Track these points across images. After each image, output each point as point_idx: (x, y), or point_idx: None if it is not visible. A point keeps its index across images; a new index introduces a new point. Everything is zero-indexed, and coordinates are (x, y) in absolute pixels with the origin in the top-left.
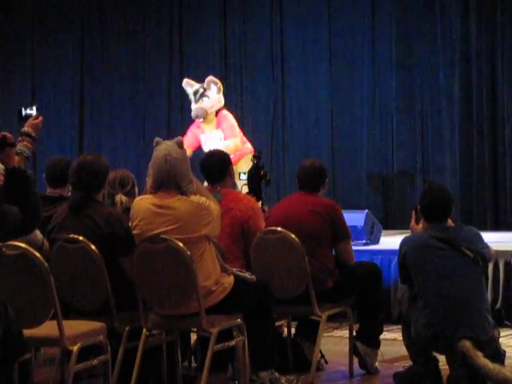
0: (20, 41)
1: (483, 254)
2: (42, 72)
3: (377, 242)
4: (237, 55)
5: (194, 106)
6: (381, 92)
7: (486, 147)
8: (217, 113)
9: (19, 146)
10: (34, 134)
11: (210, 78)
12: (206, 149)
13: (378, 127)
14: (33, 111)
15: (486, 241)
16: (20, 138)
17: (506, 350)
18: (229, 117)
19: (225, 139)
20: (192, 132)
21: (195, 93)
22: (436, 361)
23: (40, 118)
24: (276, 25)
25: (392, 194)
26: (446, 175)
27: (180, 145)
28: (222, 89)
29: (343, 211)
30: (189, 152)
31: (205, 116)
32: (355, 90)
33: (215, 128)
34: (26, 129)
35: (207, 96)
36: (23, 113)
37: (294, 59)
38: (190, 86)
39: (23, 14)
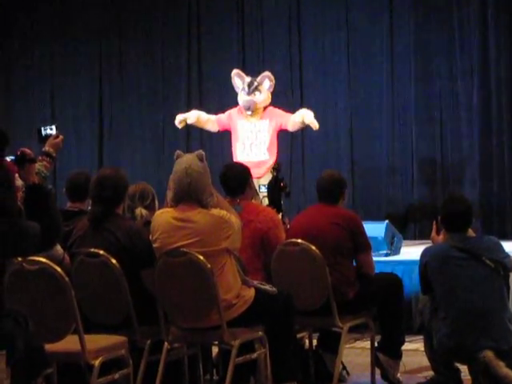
0: (39, 56)
1: (504, 263)
2: (61, 87)
3: (398, 252)
4: (255, 65)
5: (245, 98)
6: (400, 103)
7: (505, 156)
8: (264, 108)
9: (38, 166)
10: (54, 154)
11: (267, 73)
12: (245, 137)
13: (398, 138)
14: (53, 131)
15: (507, 250)
16: (40, 158)
17: None
18: (277, 109)
19: (279, 127)
20: (229, 114)
21: (250, 85)
22: (458, 371)
23: (60, 137)
24: (294, 34)
25: (412, 204)
26: (466, 185)
27: (201, 158)
28: (273, 87)
29: (363, 222)
30: (202, 119)
31: (254, 109)
32: (374, 101)
33: (261, 119)
34: (46, 148)
35: (259, 90)
36: (43, 132)
37: (312, 70)
38: (239, 77)
39: (42, 30)
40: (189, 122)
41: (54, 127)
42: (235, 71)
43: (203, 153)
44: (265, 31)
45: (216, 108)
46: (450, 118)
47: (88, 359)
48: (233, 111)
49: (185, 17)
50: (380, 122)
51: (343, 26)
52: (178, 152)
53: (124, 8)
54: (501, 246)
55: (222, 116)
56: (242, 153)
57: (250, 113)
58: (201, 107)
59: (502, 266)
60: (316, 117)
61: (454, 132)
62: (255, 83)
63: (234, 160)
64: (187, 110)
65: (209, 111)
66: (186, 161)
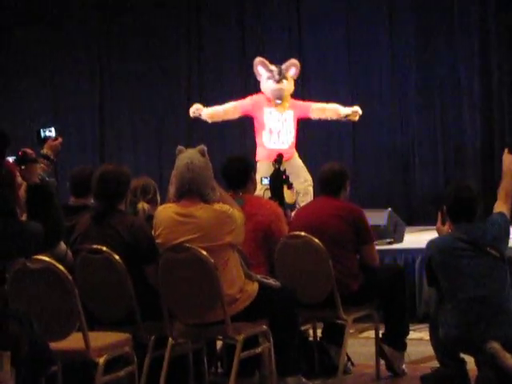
0: (38, 53)
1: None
2: (61, 82)
3: (400, 240)
4: (255, 52)
5: (274, 86)
6: (401, 88)
7: (507, 142)
8: (290, 96)
9: None
10: (52, 157)
11: (293, 60)
12: (272, 127)
13: (399, 125)
14: (52, 133)
15: None
16: (38, 160)
17: None
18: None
19: (301, 117)
20: (254, 100)
21: (279, 73)
22: (464, 362)
23: (59, 140)
24: (293, 24)
25: (414, 191)
26: (467, 171)
27: (202, 153)
28: (297, 75)
29: (366, 210)
30: (217, 112)
31: (283, 98)
32: (375, 88)
33: (288, 109)
34: (44, 151)
35: (287, 78)
36: (42, 134)
37: (313, 58)
38: (263, 65)
39: (40, 29)
40: (202, 117)
41: (52, 129)
42: (259, 59)
43: (205, 147)
44: (265, 19)
45: (217, 97)
46: (451, 104)
47: (93, 357)
48: (258, 99)
49: (185, 4)
50: (381, 108)
51: (343, 11)
52: (180, 147)
53: None
54: (507, 232)
55: (245, 102)
56: (269, 140)
57: (279, 102)
58: (200, 97)
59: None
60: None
61: (456, 118)
62: (283, 71)
63: (259, 147)
64: (188, 100)
65: (209, 102)
66: (188, 156)
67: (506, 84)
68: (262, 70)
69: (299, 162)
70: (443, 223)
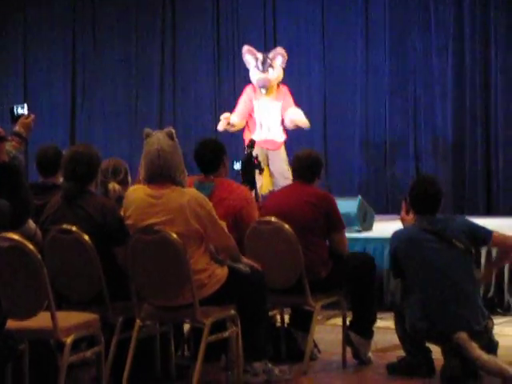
0: (11, 26)
1: (477, 236)
2: (33, 59)
3: (370, 228)
4: (230, 39)
5: (259, 75)
6: (374, 77)
7: (478, 132)
8: (278, 85)
9: (6, 146)
10: (24, 135)
11: (279, 49)
12: (259, 116)
13: (371, 112)
14: (24, 110)
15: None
16: (10, 138)
17: (499, 337)
18: (289, 95)
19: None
20: (244, 100)
21: (263, 62)
22: (429, 352)
23: (31, 117)
24: (268, 7)
25: (384, 179)
26: (438, 160)
27: (171, 136)
28: (285, 63)
29: (336, 198)
30: (241, 121)
31: (268, 87)
32: (348, 75)
33: (275, 99)
34: (17, 128)
35: (273, 67)
36: (15, 112)
37: (287, 43)
38: (251, 54)
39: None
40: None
41: (25, 106)
42: (246, 47)
43: (173, 130)
44: (240, 7)
45: (190, 79)
46: (423, 93)
47: (60, 336)
48: (248, 90)
49: None
50: (354, 96)
51: (318, 1)
52: (147, 130)
53: None
54: (473, 224)
55: (246, 101)
56: (259, 131)
57: (264, 91)
58: (174, 79)
59: (475, 240)
60: (290, 91)
61: (428, 107)
62: (268, 60)
63: (251, 135)
64: (160, 82)
65: (183, 82)
66: (157, 141)
67: (477, 73)
68: (250, 58)
69: (284, 155)
70: (407, 213)
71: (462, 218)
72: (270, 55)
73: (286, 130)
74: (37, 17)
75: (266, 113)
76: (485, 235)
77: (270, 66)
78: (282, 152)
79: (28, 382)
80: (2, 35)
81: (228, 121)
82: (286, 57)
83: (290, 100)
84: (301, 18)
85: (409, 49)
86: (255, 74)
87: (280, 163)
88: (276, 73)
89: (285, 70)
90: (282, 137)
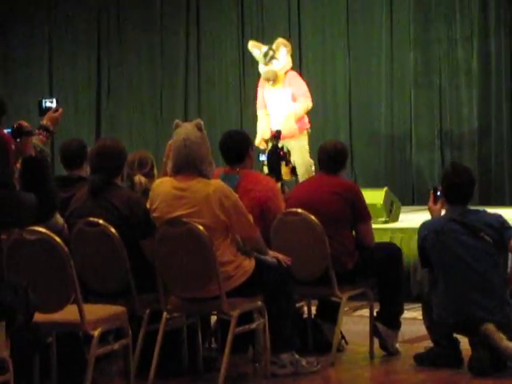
0: (36, 21)
1: (504, 236)
2: (59, 55)
3: (396, 219)
4: (254, 29)
5: (264, 69)
6: (399, 67)
7: (504, 121)
8: (285, 74)
9: (33, 140)
10: (51, 128)
11: (280, 40)
12: (269, 106)
13: (396, 103)
14: (53, 104)
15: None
16: (37, 131)
17: None
18: (299, 77)
19: (294, 99)
20: (259, 93)
21: (265, 55)
22: (457, 342)
23: (60, 111)
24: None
25: (410, 170)
26: (464, 150)
27: (199, 127)
28: (290, 51)
29: (362, 189)
30: (264, 112)
31: (275, 79)
32: (373, 66)
33: (283, 88)
34: (44, 122)
35: (276, 58)
36: (43, 105)
37: (312, 35)
38: (257, 48)
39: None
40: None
41: (54, 100)
42: (251, 43)
43: (201, 122)
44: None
45: (214, 70)
46: (448, 83)
47: (87, 329)
48: (260, 83)
49: None
50: (379, 87)
51: None
52: (177, 121)
53: None
54: (507, 223)
55: (260, 94)
56: (273, 121)
57: (271, 83)
58: (199, 71)
59: (502, 238)
60: (315, 84)
61: (453, 97)
62: (270, 52)
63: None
64: (185, 73)
65: (208, 72)
66: (185, 132)
67: (503, 62)
68: (256, 52)
69: (303, 143)
70: (435, 202)
71: (497, 214)
72: (274, 46)
73: (301, 120)
74: (63, 13)
75: (276, 103)
76: (509, 238)
77: (273, 57)
78: (302, 140)
79: (55, 375)
80: (29, 27)
81: (264, 140)
82: (289, 45)
83: (300, 82)
84: (325, 8)
85: (433, 38)
86: (261, 67)
87: (299, 152)
88: (281, 63)
89: (308, 59)
90: (294, 124)
